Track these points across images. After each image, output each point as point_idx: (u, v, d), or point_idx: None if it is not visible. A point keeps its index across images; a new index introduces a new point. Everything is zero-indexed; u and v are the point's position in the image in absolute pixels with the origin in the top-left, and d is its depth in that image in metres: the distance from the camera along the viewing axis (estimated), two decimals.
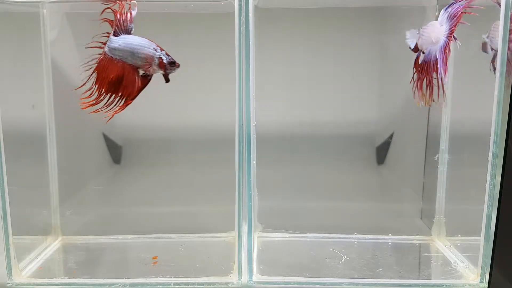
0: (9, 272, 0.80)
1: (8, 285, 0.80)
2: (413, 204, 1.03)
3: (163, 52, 0.74)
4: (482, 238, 0.77)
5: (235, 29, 0.74)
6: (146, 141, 1.01)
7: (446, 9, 0.77)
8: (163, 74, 0.75)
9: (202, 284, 0.79)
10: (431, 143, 0.98)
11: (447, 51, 0.75)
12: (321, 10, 0.96)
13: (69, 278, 0.81)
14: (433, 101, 0.79)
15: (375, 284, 0.79)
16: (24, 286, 0.80)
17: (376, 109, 1.01)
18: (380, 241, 0.96)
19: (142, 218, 1.02)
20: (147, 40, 0.74)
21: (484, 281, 0.78)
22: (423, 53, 0.79)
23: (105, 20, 0.74)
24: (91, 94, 0.76)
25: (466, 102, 0.89)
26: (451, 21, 0.75)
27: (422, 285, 0.80)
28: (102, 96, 0.75)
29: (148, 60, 0.73)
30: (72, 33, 0.96)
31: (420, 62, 0.79)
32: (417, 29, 0.80)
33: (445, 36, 0.76)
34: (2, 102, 0.79)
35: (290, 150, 1.01)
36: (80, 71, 0.76)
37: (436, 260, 0.90)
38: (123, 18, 0.73)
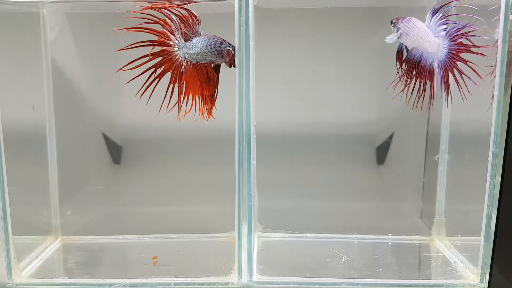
0: (9, 272, 0.81)
1: (8, 285, 0.80)
2: (413, 204, 1.03)
3: (227, 43, 0.78)
4: (482, 238, 0.77)
5: (235, 29, 0.74)
6: (146, 141, 1.01)
7: (434, 14, 0.77)
8: (226, 62, 0.78)
9: (202, 284, 0.79)
10: (431, 143, 0.98)
11: (449, 72, 0.76)
12: (321, 10, 0.96)
13: (69, 278, 0.81)
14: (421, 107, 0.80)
15: (375, 284, 0.79)
16: (24, 286, 0.80)
17: (376, 109, 1.00)
18: (380, 241, 0.96)
19: (142, 218, 1.02)
20: (212, 35, 0.77)
21: (484, 281, 0.78)
22: (405, 48, 0.80)
23: (161, 32, 0.74)
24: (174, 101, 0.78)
25: (466, 102, 0.89)
26: (450, 41, 0.76)
27: (422, 285, 0.80)
28: (200, 101, 0.78)
29: (220, 54, 0.77)
30: (72, 33, 0.96)
31: (408, 58, 0.80)
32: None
33: (445, 55, 0.77)
34: (2, 102, 0.79)
35: (290, 150, 1.01)
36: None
37: (436, 260, 0.90)
38: (191, 21, 0.75)
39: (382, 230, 0.98)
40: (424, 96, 0.80)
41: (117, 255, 0.93)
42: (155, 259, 0.88)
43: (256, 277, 0.81)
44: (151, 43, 0.74)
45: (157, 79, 0.75)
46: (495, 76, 0.73)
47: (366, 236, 0.97)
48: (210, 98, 0.78)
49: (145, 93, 0.76)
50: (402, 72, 0.81)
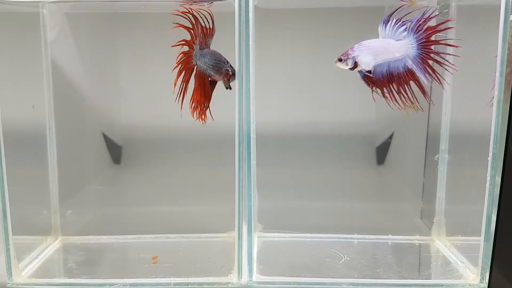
0: (9, 272, 0.80)
1: (8, 285, 0.80)
2: (413, 204, 1.03)
3: (229, 64, 0.80)
4: (482, 238, 0.77)
5: (235, 29, 0.74)
6: (146, 141, 1.01)
7: (385, 24, 0.78)
8: (223, 82, 0.80)
9: (202, 284, 0.79)
10: (431, 143, 0.98)
11: (426, 59, 0.77)
12: (321, 10, 0.96)
13: (69, 278, 0.81)
14: (420, 108, 0.80)
15: (375, 284, 0.79)
16: (24, 286, 0.80)
17: (376, 109, 1.00)
18: (380, 241, 0.96)
19: (142, 218, 1.02)
20: (218, 53, 0.80)
21: (484, 281, 0.78)
22: (362, 70, 0.80)
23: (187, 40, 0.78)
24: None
25: (466, 102, 0.89)
26: (416, 33, 0.77)
27: (422, 285, 0.80)
28: (199, 106, 0.81)
29: (218, 71, 0.79)
30: (72, 33, 0.96)
31: (378, 79, 0.80)
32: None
33: (416, 48, 0.77)
34: (2, 102, 0.79)
35: (290, 150, 1.01)
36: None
37: (436, 260, 0.90)
38: (208, 33, 0.79)
39: (382, 230, 0.98)
40: (414, 97, 0.80)
41: (117, 255, 0.93)
42: (155, 259, 0.88)
43: (256, 277, 0.81)
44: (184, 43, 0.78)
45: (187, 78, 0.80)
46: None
47: (366, 236, 0.97)
48: (202, 107, 0.80)
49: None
50: (383, 90, 0.81)
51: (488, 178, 0.75)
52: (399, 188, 1.04)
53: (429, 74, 0.77)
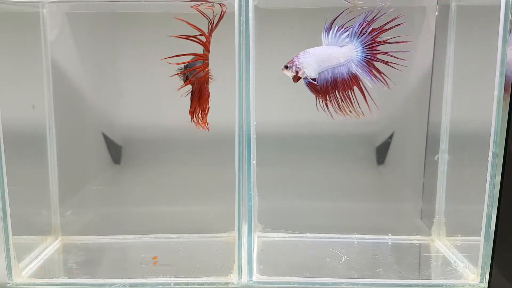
0: (9, 272, 0.81)
1: (8, 285, 0.80)
2: (413, 204, 1.03)
3: None
4: (482, 238, 0.77)
5: (235, 29, 0.74)
6: (146, 141, 1.01)
7: (327, 32, 0.79)
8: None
9: (202, 284, 0.79)
10: (431, 143, 0.98)
11: (372, 62, 0.78)
12: (321, 10, 0.95)
13: (69, 278, 0.81)
14: (362, 113, 0.80)
15: (375, 284, 0.79)
16: (24, 286, 0.80)
17: (376, 109, 1.00)
18: (380, 241, 0.96)
19: (142, 218, 1.02)
20: None
21: (484, 281, 0.78)
22: (306, 77, 0.80)
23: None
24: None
25: (466, 102, 0.89)
26: (360, 37, 0.77)
27: (422, 285, 0.80)
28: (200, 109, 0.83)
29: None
30: (72, 33, 0.96)
31: (321, 87, 0.80)
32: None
33: (361, 51, 0.78)
34: (2, 102, 0.79)
35: (290, 150, 1.01)
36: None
37: (436, 260, 0.90)
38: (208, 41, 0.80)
39: (382, 230, 0.98)
40: (358, 103, 0.80)
41: (117, 255, 0.93)
42: (155, 259, 0.88)
43: (256, 277, 0.81)
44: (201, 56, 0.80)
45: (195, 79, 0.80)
46: None
47: (366, 236, 0.97)
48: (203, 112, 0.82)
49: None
50: (325, 98, 0.81)
51: (488, 178, 0.75)
52: (399, 188, 1.04)
53: (375, 76, 0.78)
